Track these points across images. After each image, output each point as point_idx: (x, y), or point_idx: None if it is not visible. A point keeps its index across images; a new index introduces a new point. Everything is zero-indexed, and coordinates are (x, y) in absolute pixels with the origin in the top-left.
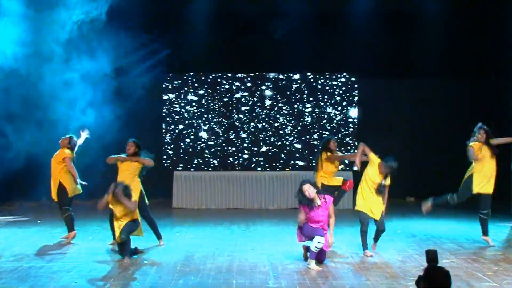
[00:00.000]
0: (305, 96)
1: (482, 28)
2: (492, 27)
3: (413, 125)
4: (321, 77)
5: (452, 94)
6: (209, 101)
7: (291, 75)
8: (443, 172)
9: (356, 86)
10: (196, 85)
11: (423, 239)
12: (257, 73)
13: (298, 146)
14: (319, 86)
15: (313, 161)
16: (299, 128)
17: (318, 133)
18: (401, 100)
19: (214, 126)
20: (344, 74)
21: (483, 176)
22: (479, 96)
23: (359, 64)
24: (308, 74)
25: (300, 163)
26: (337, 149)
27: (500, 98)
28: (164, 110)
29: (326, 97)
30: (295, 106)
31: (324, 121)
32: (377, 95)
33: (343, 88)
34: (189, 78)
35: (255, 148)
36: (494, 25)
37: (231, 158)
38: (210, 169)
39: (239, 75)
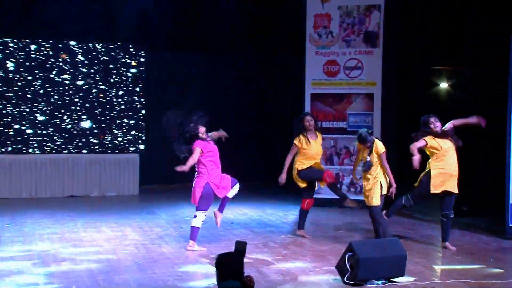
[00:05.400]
0: (81, 67)
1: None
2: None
3: (209, 102)
4: (104, 47)
5: (250, 70)
6: None
7: (70, 42)
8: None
9: (143, 59)
10: None
11: (213, 225)
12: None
13: (80, 126)
14: (101, 57)
15: (95, 141)
16: (79, 105)
17: (101, 111)
18: (193, 75)
19: None
20: (131, 45)
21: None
22: (278, 73)
23: (148, 35)
24: (89, 44)
25: (80, 144)
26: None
27: (296, 76)
28: None
29: (108, 68)
30: (75, 79)
31: (109, 97)
32: (167, 69)
33: (130, 61)
34: None
35: (25, 127)
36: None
37: None
38: None
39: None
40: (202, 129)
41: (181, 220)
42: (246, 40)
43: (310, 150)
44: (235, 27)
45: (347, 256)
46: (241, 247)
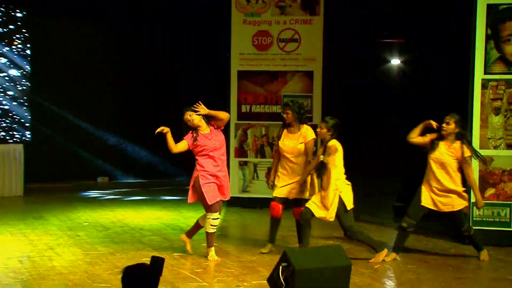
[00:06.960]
0: None
1: None
2: None
3: (115, 80)
4: None
5: (163, 42)
6: None
7: None
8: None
9: (27, 26)
10: None
11: (119, 232)
12: None
13: None
14: None
15: None
16: None
17: None
18: (91, 47)
19: None
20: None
21: None
22: (197, 46)
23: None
24: None
25: None
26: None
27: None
28: None
29: None
30: None
31: None
32: (56, 41)
33: (10, 29)
34: None
35: None
36: None
37: None
38: None
39: None
40: (187, 115)
41: (77, 226)
42: (160, 5)
43: (282, 147)
44: None
45: (281, 267)
46: (158, 265)
